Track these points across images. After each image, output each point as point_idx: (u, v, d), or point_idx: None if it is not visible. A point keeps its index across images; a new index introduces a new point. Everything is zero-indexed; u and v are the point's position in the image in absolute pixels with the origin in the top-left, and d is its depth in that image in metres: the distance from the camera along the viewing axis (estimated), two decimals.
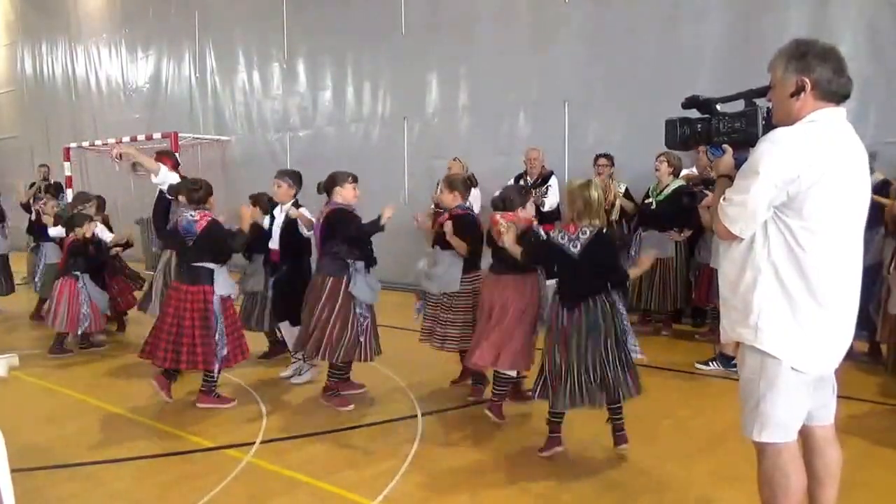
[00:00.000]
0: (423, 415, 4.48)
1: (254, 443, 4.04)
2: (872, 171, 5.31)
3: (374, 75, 9.97)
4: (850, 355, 5.88)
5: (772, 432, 2.29)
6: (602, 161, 6.94)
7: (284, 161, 10.94)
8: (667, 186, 6.26)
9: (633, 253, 6.20)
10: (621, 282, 3.76)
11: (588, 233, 3.59)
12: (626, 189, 6.89)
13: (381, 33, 9.72)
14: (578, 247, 3.59)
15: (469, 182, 4.91)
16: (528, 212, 4.24)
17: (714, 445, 3.85)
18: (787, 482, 2.30)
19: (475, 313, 4.52)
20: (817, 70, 2.18)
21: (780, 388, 2.25)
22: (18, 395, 5.10)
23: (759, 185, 2.16)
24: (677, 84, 6.96)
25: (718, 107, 2.48)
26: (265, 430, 4.26)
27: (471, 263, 4.69)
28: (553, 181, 7.20)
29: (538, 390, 3.74)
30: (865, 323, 5.31)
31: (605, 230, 3.69)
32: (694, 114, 2.53)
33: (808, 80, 2.18)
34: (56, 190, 10.41)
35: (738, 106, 2.44)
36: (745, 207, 2.20)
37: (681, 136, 2.54)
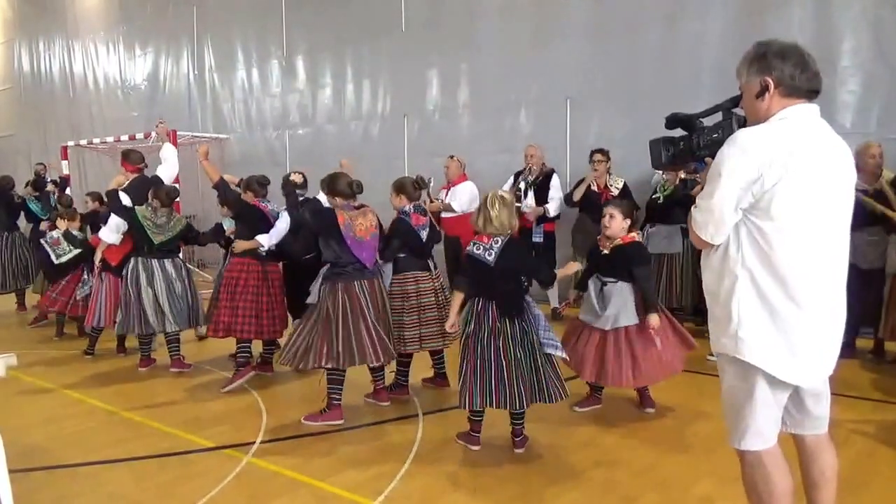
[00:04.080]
0: (423, 414, 4.46)
1: (254, 443, 4.03)
2: None
3: (374, 72, 9.94)
4: (854, 353, 5.83)
5: (750, 441, 2.29)
6: (598, 157, 6.89)
7: (283, 159, 10.91)
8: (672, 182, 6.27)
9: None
10: (548, 281, 4.16)
11: (500, 241, 3.73)
12: (625, 184, 6.87)
13: (382, 30, 9.68)
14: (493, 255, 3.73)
15: (419, 184, 4.70)
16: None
17: (715, 445, 3.83)
18: (771, 488, 2.30)
19: (406, 315, 4.53)
20: (778, 68, 2.18)
21: (759, 397, 2.24)
22: (17, 394, 5.08)
23: (722, 188, 2.15)
24: (679, 81, 6.97)
25: (704, 121, 2.47)
26: (265, 430, 4.25)
27: (402, 264, 4.61)
28: (555, 179, 7.16)
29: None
30: (872, 321, 5.30)
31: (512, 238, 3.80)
32: (679, 131, 2.53)
33: (770, 79, 2.18)
34: (61, 186, 10.31)
35: (720, 118, 2.43)
36: (712, 212, 2.19)
37: (665, 156, 2.54)
